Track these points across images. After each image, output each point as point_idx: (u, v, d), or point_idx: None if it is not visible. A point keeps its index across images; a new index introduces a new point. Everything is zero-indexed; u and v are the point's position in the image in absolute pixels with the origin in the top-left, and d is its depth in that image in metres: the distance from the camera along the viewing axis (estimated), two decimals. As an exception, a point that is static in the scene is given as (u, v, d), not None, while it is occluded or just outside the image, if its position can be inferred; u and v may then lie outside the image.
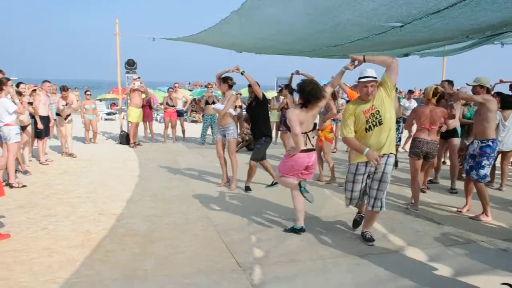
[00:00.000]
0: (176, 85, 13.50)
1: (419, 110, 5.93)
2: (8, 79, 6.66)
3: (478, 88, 5.65)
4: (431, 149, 5.78)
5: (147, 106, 12.66)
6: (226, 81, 6.56)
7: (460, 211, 5.72)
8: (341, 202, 6.16)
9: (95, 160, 9.48)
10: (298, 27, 5.94)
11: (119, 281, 3.58)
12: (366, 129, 4.20)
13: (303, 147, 4.50)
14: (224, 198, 6.31)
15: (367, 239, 4.51)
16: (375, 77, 4.16)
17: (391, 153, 4.24)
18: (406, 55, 10.17)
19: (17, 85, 8.33)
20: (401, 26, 5.46)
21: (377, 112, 4.16)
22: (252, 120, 6.82)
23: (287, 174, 4.72)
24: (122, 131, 12.46)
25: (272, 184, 6.94)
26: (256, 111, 6.66)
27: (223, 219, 5.26)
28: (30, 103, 8.01)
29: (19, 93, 7.77)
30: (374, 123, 4.17)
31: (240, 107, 12.78)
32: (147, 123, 12.82)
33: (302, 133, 4.49)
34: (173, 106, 12.63)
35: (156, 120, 17.69)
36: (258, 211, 5.55)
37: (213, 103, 11.21)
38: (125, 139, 12.04)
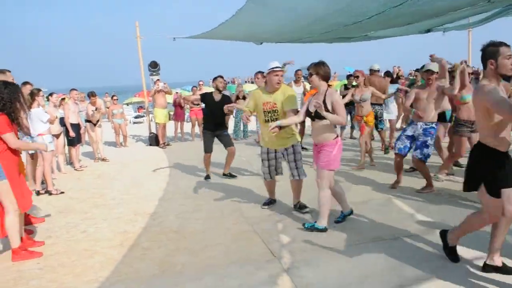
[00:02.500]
0: (201, 83, 13.67)
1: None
2: (39, 90, 6.90)
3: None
4: None
5: (179, 106, 12.89)
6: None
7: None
8: (368, 187, 6.15)
9: (127, 162, 9.73)
10: (314, 8, 5.85)
11: (158, 277, 3.71)
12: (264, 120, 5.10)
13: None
14: (254, 191, 6.38)
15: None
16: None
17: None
18: (428, 30, 9.87)
19: (49, 95, 8.61)
20: None
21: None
22: None
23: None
24: (151, 132, 12.70)
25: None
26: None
27: (254, 212, 5.33)
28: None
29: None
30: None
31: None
32: (179, 123, 13.04)
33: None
34: (198, 104, 12.77)
35: (184, 120, 17.92)
36: (289, 201, 5.58)
37: (244, 98, 11.31)
38: (154, 140, 12.27)
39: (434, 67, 5.56)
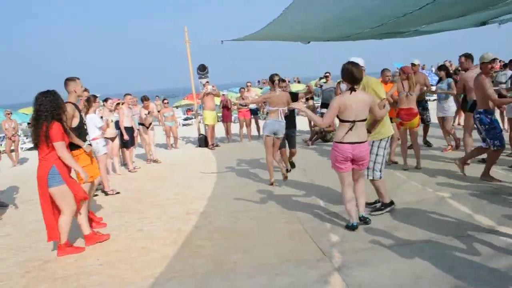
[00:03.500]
0: (249, 84, 13.73)
1: None
2: (96, 96, 7.23)
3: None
4: None
5: (226, 108, 13.13)
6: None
7: None
8: (420, 186, 5.97)
9: (178, 164, 9.99)
10: (362, 1, 5.74)
11: (211, 274, 3.79)
12: None
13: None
14: (303, 191, 6.36)
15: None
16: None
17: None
18: (484, 23, 9.44)
19: (104, 101, 9.00)
20: None
21: None
22: None
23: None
24: (200, 134, 12.96)
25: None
26: None
27: (305, 211, 5.31)
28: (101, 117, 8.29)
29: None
30: None
31: (312, 98, 12.74)
32: (226, 124, 13.26)
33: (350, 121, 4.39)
34: (246, 105, 12.91)
35: (231, 121, 18.16)
36: (339, 200, 5.52)
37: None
38: (203, 141, 12.52)
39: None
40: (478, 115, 5.85)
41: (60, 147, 4.36)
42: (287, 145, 7.74)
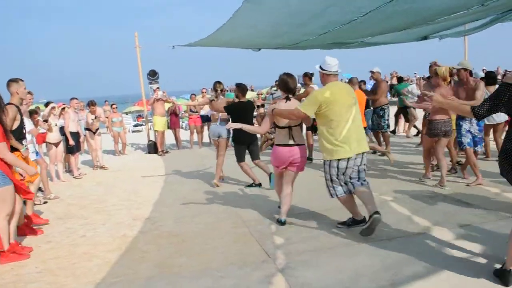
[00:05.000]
0: (204, 90, 13.70)
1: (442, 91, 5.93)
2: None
3: (462, 71, 6.09)
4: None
5: (174, 114, 13.02)
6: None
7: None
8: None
9: (126, 170, 9.79)
10: (308, 4, 5.90)
11: (155, 278, 3.75)
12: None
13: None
14: (251, 195, 6.43)
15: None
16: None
17: None
18: (425, 38, 10.02)
19: (46, 105, 8.66)
20: None
21: None
22: None
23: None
24: (149, 140, 12.77)
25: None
26: None
27: (252, 215, 5.37)
28: (45, 121, 7.96)
29: (35, 112, 7.98)
30: None
31: (263, 106, 12.92)
32: (175, 130, 13.15)
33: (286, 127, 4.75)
34: (196, 112, 12.88)
35: (182, 127, 18.03)
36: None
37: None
38: (153, 148, 12.34)
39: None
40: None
41: (2, 148, 4.19)
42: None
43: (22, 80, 4.94)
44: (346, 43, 10.03)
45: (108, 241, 4.81)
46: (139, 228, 5.21)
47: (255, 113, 14.55)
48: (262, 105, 12.98)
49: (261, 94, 13.59)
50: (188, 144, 13.31)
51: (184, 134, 14.42)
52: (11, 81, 4.86)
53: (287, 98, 4.70)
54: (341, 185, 4.44)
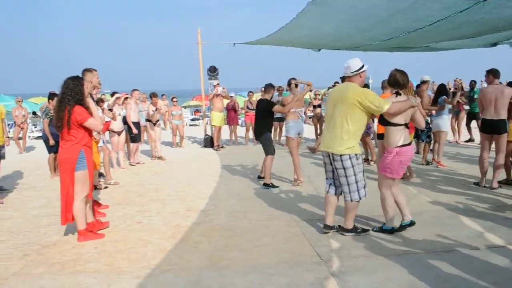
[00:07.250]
0: (262, 89, 13.75)
1: None
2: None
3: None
4: None
5: (232, 110, 13.17)
6: None
7: None
8: (427, 198, 5.97)
9: (182, 162, 10.03)
10: (376, 9, 5.74)
11: (206, 269, 3.80)
12: None
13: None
14: (305, 196, 6.37)
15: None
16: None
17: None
18: (494, 44, 9.48)
19: (112, 95, 9.04)
20: (485, 0, 5.03)
21: None
22: None
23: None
24: (206, 134, 13.01)
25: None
26: None
27: (305, 215, 5.33)
28: (110, 110, 8.07)
29: (101, 100, 8.31)
30: None
31: (319, 106, 12.77)
32: (232, 126, 13.31)
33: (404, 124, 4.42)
34: (253, 109, 12.92)
35: (238, 124, 18.21)
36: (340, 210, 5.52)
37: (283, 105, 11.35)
38: (209, 142, 12.56)
39: None
40: None
41: (93, 122, 4.54)
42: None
43: (96, 70, 5.28)
44: (409, 47, 9.72)
45: (162, 229, 4.95)
46: (193, 220, 5.31)
47: (310, 114, 14.47)
48: (319, 105, 12.84)
49: (319, 94, 13.40)
50: (243, 141, 13.42)
51: (239, 131, 14.56)
52: (86, 70, 5.22)
53: (397, 93, 4.44)
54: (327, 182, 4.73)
